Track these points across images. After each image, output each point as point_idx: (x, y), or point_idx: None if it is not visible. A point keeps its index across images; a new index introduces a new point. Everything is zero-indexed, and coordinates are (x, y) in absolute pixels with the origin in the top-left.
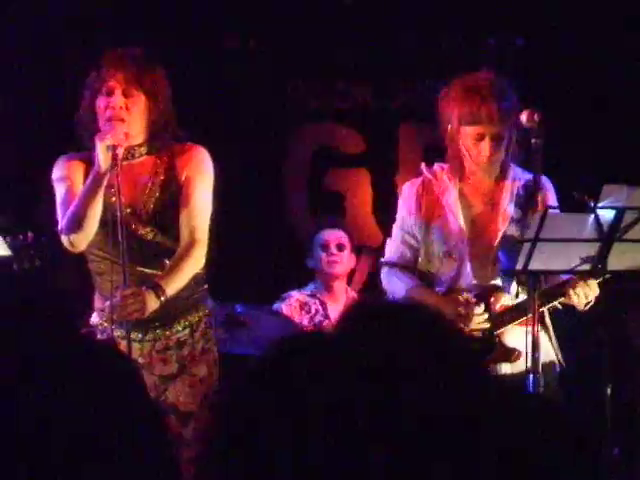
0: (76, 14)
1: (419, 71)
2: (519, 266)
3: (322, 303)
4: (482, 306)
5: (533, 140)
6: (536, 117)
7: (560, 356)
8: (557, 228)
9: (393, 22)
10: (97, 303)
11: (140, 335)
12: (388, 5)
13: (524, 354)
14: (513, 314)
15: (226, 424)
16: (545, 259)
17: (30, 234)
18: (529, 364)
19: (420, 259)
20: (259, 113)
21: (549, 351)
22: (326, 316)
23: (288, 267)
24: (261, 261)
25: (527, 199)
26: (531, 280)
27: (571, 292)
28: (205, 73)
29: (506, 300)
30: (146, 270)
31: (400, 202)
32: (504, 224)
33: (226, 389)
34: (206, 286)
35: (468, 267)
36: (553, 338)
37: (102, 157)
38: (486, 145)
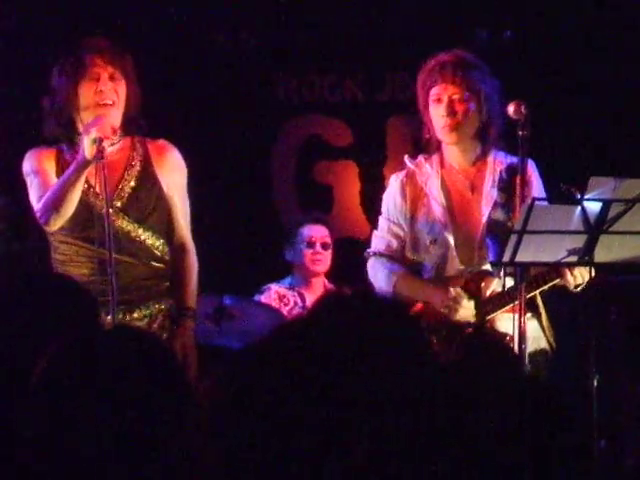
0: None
1: (408, 64)
2: (506, 258)
3: (300, 295)
4: (471, 301)
5: (520, 132)
6: (523, 109)
7: (552, 340)
8: (544, 220)
9: (382, 15)
10: None
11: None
12: None
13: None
14: (501, 300)
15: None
16: (532, 251)
17: None
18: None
19: (407, 249)
20: (248, 105)
21: (540, 338)
22: (304, 308)
23: (275, 259)
24: (248, 253)
25: (510, 182)
26: (519, 272)
27: (567, 272)
28: (195, 65)
29: (496, 286)
30: (115, 256)
31: (385, 194)
32: (487, 208)
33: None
34: (167, 284)
35: (454, 253)
36: (545, 322)
37: (87, 149)
38: (443, 106)
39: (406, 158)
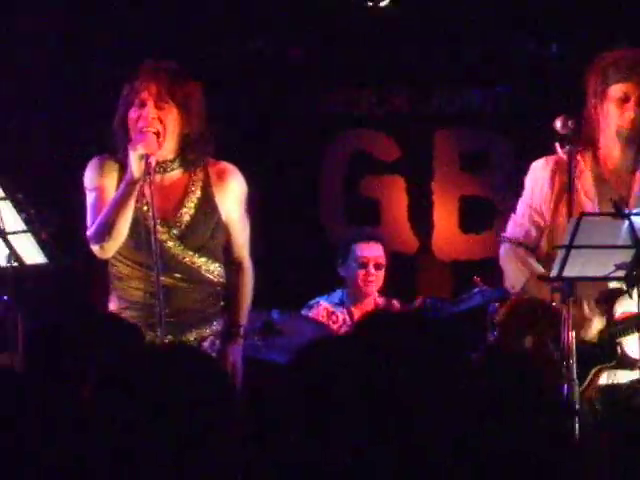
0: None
1: (454, 77)
2: (554, 273)
3: (349, 313)
4: (601, 321)
5: (567, 147)
6: (570, 124)
7: None
8: (592, 234)
9: (428, 29)
10: (112, 306)
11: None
12: (422, 12)
13: None
14: (634, 323)
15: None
16: (580, 266)
17: (32, 210)
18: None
19: (543, 239)
20: (295, 121)
21: None
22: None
23: (322, 274)
24: (296, 267)
25: None
26: (566, 287)
27: None
28: (242, 81)
29: (629, 306)
30: (165, 279)
31: (530, 177)
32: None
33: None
34: (222, 303)
35: None
36: None
37: (135, 166)
38: (631, 106)
39: (557, 146)
